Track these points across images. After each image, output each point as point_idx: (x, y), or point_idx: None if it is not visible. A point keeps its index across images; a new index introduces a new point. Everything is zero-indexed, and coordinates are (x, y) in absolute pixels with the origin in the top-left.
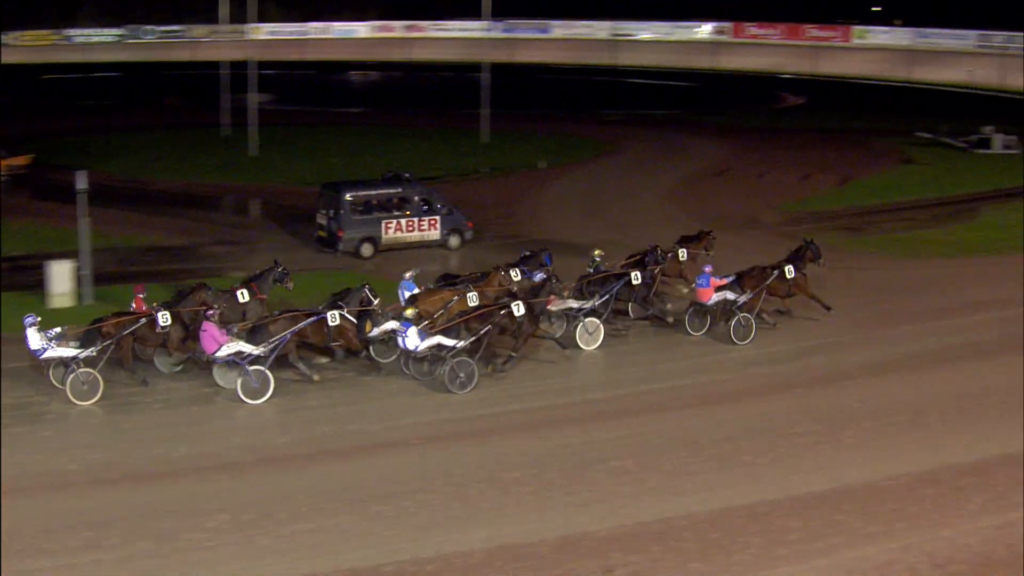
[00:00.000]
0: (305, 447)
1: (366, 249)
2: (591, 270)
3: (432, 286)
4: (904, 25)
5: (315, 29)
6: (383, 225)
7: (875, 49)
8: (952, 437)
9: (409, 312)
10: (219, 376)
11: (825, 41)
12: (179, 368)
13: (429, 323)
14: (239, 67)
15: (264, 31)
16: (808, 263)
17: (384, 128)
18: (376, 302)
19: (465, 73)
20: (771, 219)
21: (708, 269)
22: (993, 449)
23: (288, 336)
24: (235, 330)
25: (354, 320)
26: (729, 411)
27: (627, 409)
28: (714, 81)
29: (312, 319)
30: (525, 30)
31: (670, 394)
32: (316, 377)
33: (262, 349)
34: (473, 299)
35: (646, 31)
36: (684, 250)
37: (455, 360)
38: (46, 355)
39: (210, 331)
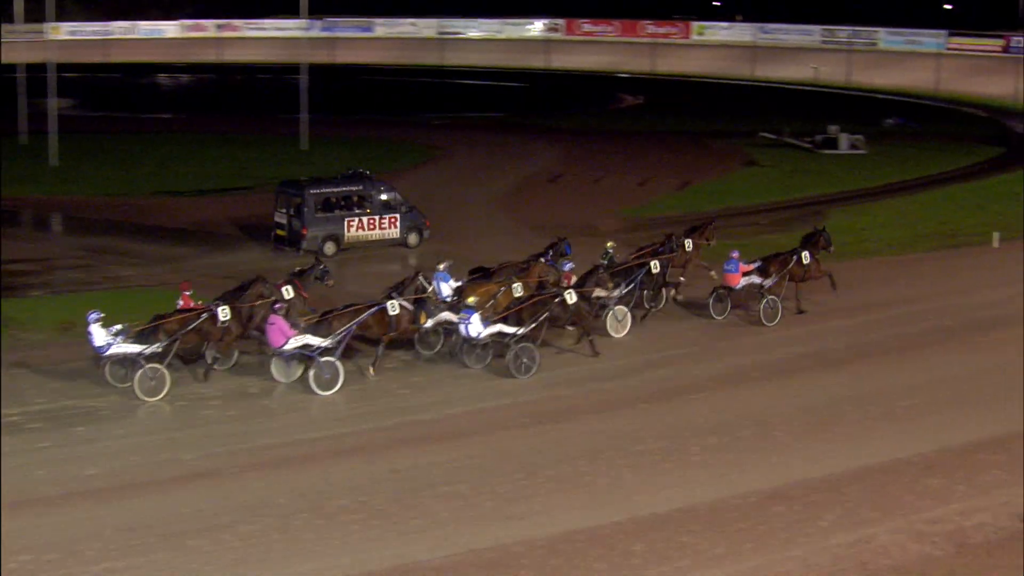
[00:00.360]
0: (113, 479)
1: (329, 247)
2: (604, 262)
3: (466, 279)
4: (745, 21)
5: (120, 29)
6: (346, 223)
7: (716, 46)
8: (802, 451)
9: (471, 299)
10: (277, 371)
11: (663, 38)
12: (231, 364)
13: (483, 312)
14: (37, 70)
15: (64, 31)
16: (820, 249)
17: (197, 135)
18: (430, 290)
19: (283, 75)
20: (609, 226)
21: (736, 255)
22: (844, 463)
23: (354, 327)
24: (301, 324)
25: (411, 308)
26: (568, 429)
27: (459, 430)
28: (547, 81)
29: (373, 310)
30: (346, 29)
31: (504, 412)
32: (371, 371)
33: (330, 341)
34: (518, 290)
35: (474, 29)
36: (690, 240)
37: (518, 346)
38: (110, 351)
39: (278, 324)
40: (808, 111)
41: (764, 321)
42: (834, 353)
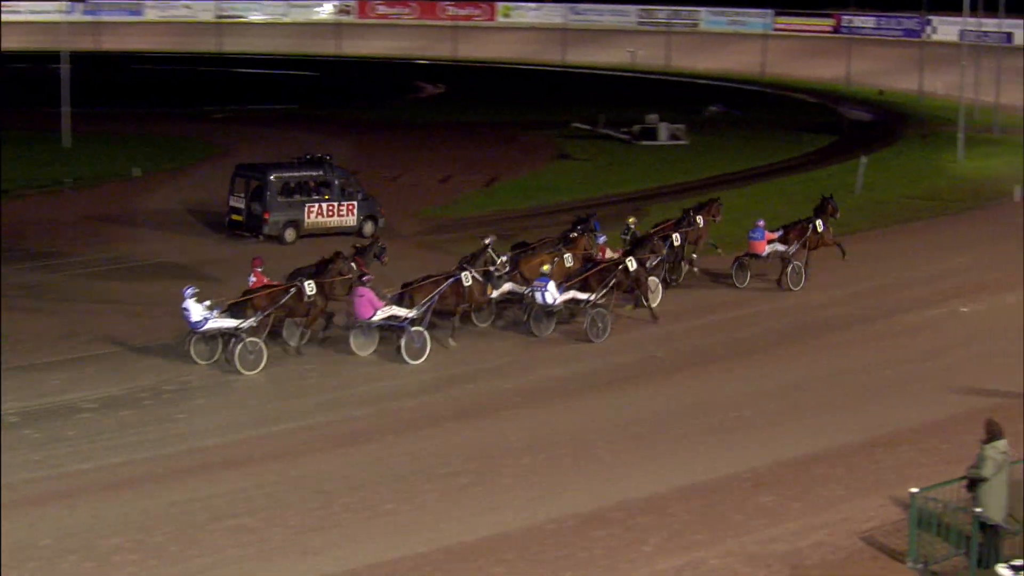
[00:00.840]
0: None
1: (289, 234)
2: (627, 237)
3: (509, 253)
4: (555, 1)
5: None
6: (306, 209)
7: (524, 28)
8: (623, 469)
9: (546, 268)
10: (355, 344)
11: (466, 20)
12: (306, 340)
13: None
14: None
15: None
16: (829, 217)
17: None
18: (500, 262)
19: (41, 64)
20: (409, 229)
21: (762, 223)
22: (669, 481)
23: (435, 298)
24: (387, 296)
25: (481, 280)
26: (366, 452)
27: (244, 456)
28: (338, 69)
29: (450, 281)
30: (112, 12)
31: (295, 436)
32: (453, 343)
33: (416, 312)
34: (568, 260)
35: (256, 12)
36: (700, 217)
37: (594, 311)
38: (207, 326)
39: (367, 296)
40: (625, 99)
41: (790, 286)
42: (657, 362)
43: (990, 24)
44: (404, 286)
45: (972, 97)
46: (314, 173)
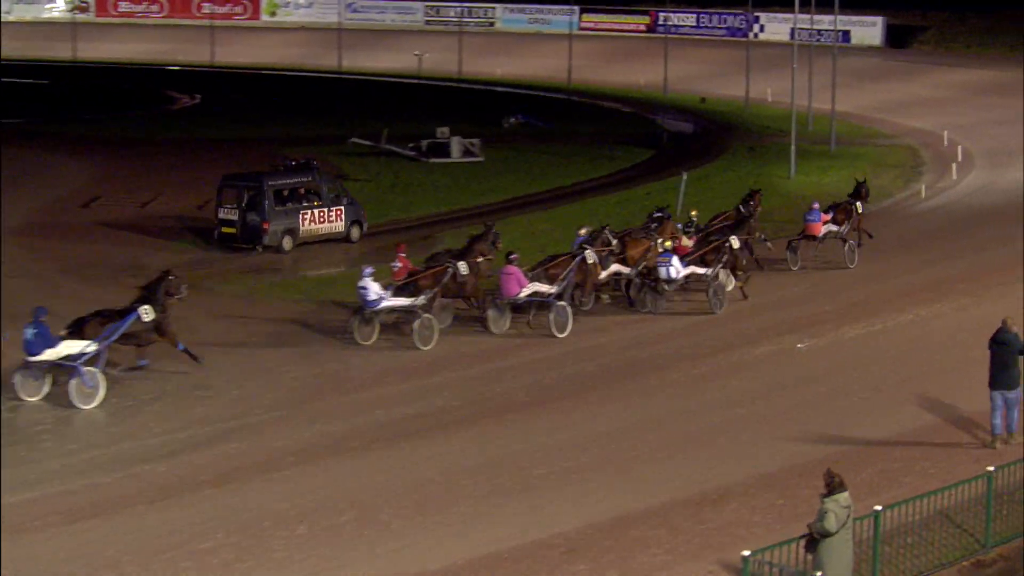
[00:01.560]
0: None
1: (287, 242)
2: (690, 230)
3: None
4: None
5: None
6: (300, 216)
7: (293, 29)
8: (414, 537)
9: (668, 243)
10: (493, 324)
11: (226, 19)
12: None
13: (646, 264)
14: None
15: None
16: (864, 200)
17: None
18: (615, 243)
19: None
20: (163, 261)
21: (816, 205)
22: (468, 549)
23: (572, 277)
24: (530, 275)
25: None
26: (112, 525)
27: None
28: (74, 76)
29: (578, 259)
30: None
31: (28, 509)
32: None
33: (556, 288)
34: (663, 244)
35: None
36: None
37: (715, 284)
38: (382, 305)
39: (515, 274)
40: (411, 110)
41: (847, 264)
42: (450, 412)
43: (824, 21)
44: (538, 265)
45: (805, 104)
46: (304, 179)
